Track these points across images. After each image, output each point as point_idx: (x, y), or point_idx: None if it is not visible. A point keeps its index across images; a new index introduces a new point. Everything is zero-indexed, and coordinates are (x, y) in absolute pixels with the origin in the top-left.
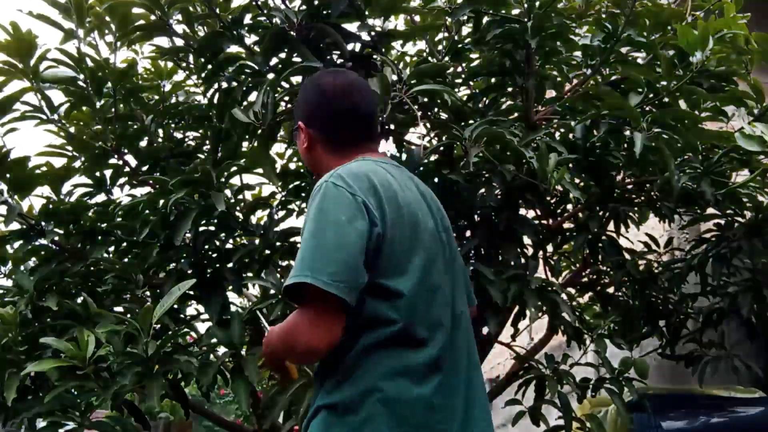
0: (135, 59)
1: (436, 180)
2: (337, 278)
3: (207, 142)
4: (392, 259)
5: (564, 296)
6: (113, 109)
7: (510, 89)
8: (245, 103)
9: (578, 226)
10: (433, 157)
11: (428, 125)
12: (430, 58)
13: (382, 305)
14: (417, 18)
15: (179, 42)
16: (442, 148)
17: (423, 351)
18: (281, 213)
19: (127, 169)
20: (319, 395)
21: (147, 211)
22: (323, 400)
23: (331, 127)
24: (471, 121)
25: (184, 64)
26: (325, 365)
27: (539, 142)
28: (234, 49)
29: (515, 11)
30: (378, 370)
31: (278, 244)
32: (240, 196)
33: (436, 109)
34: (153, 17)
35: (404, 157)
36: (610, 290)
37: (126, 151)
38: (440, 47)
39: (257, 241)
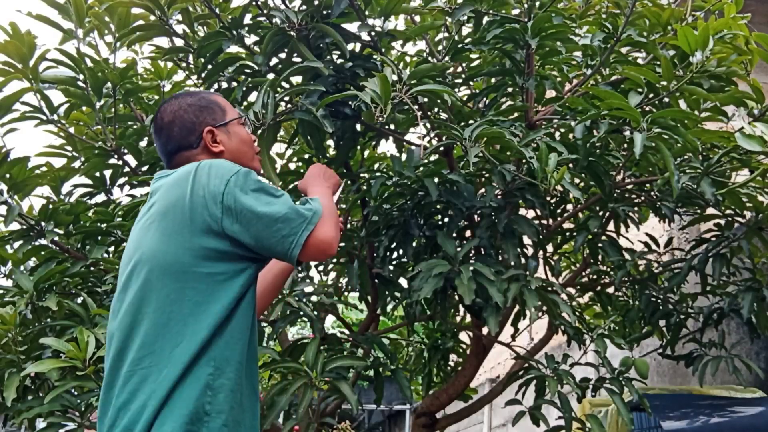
0: (135, 59)
1: (436, 180)
2: None
3: None
4: None
5: (564, 296)
6: (113, 109)
7: (510, 89)
8: (245, 103)
9: (578, 226)
10: (433, 157)
11: (428, 125)
12: (430, 58)
13: None
14: (417, 18)
15: (179, 42)
16: (442, 148)
17: None
18: None
19: (127, 169)
20: None
21: None
22: None
23: None
24: (471, 121)
25: (184, 64)
26: None
27: (539, 142)
28: (234, 49)
29: (515, 11)
30: None
31: None
32: None
33: (436, 109)
34: (153, 17)
35: (404, 157)
36: (610, 290)
37: (126, 151)
38: (440, 47)
39: None
